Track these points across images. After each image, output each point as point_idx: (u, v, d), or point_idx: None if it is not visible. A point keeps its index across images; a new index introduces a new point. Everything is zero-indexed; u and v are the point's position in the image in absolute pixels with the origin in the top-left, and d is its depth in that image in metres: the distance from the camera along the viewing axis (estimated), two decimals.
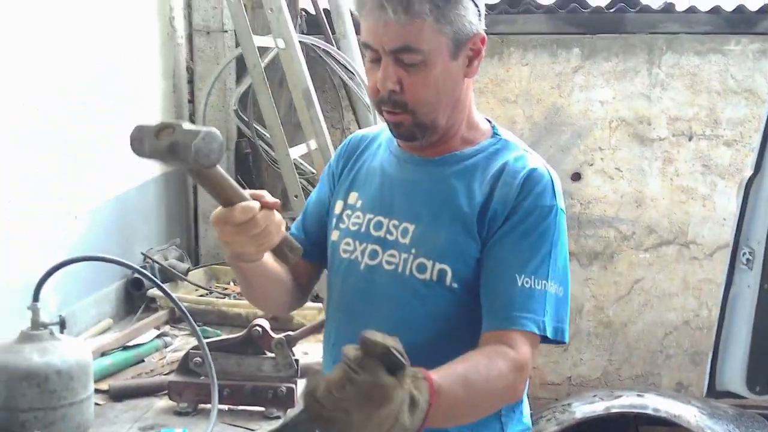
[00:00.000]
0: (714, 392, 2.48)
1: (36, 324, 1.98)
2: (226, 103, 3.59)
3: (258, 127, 3.53)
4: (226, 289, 3.12)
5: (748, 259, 2.44)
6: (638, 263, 3.80)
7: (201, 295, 3.00)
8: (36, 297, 1.98)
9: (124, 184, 3.02)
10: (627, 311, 3.85)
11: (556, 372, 3.91)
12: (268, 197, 1.36)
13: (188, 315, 2.13)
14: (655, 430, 3.57)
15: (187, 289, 3.06)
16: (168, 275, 3.01)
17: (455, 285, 1.52)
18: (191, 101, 3.63)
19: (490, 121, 1.66)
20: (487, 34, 1.52)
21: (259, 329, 2.20)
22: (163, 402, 2.21)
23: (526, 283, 1.45)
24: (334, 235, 1.67)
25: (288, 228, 1.65)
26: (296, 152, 3.22)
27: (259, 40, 3.21)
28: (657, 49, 3.68)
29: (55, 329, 2.01)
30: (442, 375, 1.27)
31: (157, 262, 3.01)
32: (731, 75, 3.65)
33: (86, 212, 2.73)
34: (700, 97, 3.68)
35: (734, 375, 2.43)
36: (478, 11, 1.50)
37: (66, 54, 2.46)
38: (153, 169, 3.26)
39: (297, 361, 2.19)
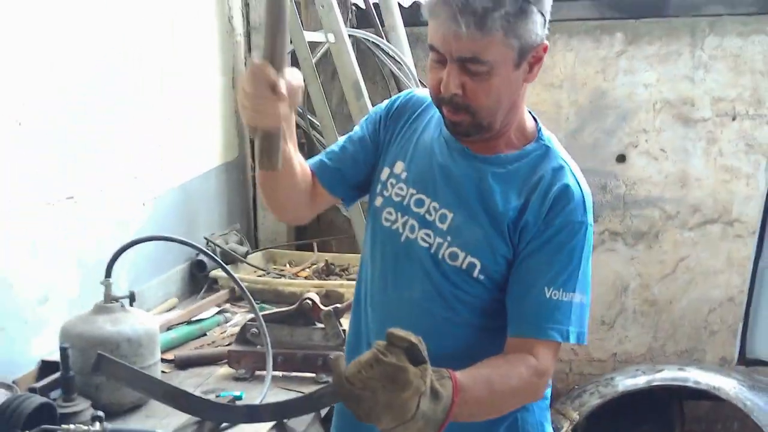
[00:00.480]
0: (745, 360, 2.58)
1: (108, 297, 2.18)
2: None
3: (311, 118, 3.70)
4: (282, 270, 3.31)
5: None
6: (683, 242, 3.86)
7: (259, 276, 3.20)
8: (108, 273, 2.17)
9: (189, 173, 3.22)
10: (672, 289, 3.91)
11: (602, 349, 4.00)
12: (286, 87, 1.43)
13: (244, 288, 2.33)
14: (699, 405, 3.64)
15: (246, 270, 3.26)
16: (229, 257, 3.21)
17: (482, 277, 1.64)
18: None
19: (536, 120, 1.73)
20: None
21: (310, 302, 2.37)
22: (223, 369, 2.40)
23: (555, 295, 1.57)
24: (378, 201, 1.77)
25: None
26: None
27: (311, 36, 3.38)
28: (700, 31, 3.73)
29: (126, 302, 2.22)
30: (466, 375, 1.41)
31: (219, 246, 3.22)
32: None
33: (153, 199, 2.93)
34: (743, 77, 3.72)
35: (763, 344, 2.52)
36: (545, 20, 1.55)
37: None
38: (215, 159, 3.48)
39: (344, 331, 2.34)
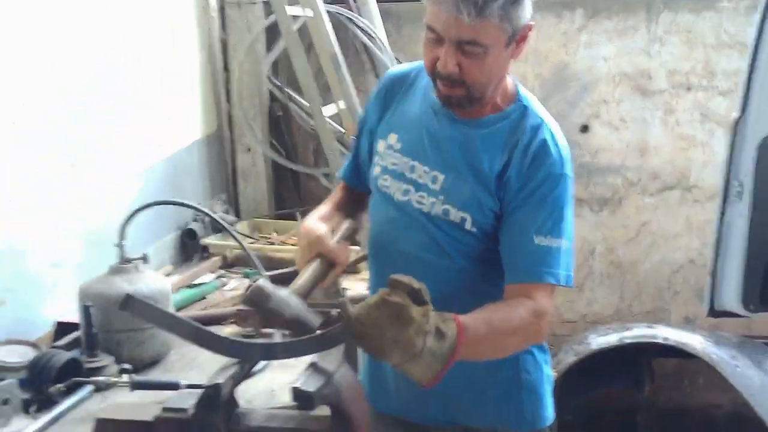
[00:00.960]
0: (714, 312, 2.77)
1: (123, 259, 2.28)
2: (258, 70, 3.85)
3: (290, 92, 3.79)
4: (269, 238, 3.43)
5: (738, 192, 2.71)
6: (644, 207, 4.06)
7: (250, 243, 3.30)
8: (122, 236, 2.26)
9: (176, 145, 3.32)
10: (635, 252, 4.11)
11: (572, 310, 4.19)
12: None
13: (248, 250, 2.44)
14: (666, 362, 3.85)
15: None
16: (217, 226, 3.31)
17: (474, 229, 1.79)
18: (226, 69, 3.89)
19: (514, 81, 1.88)
20: None
21: None
22: (229, 329, 2.49)
23: (543, 242, 1.71)
24: (376, 171, 1.92)
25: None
26: (327, 111, 3.51)
27: (289, 10, 3.47)
28: (655, 7, 3.91)
29: (139, 264, 2.31)
30: (469, 317, 1.54)
31: (210, 215, 3.30)
32: (724, 30, 3.88)
33: (144, 171, 3.02)
34: (696, 51, 3.92)
35: (731, 296, 2.70)
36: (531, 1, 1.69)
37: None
38: (197, 130, 3.56)
39: (345, 289, 2.49)
